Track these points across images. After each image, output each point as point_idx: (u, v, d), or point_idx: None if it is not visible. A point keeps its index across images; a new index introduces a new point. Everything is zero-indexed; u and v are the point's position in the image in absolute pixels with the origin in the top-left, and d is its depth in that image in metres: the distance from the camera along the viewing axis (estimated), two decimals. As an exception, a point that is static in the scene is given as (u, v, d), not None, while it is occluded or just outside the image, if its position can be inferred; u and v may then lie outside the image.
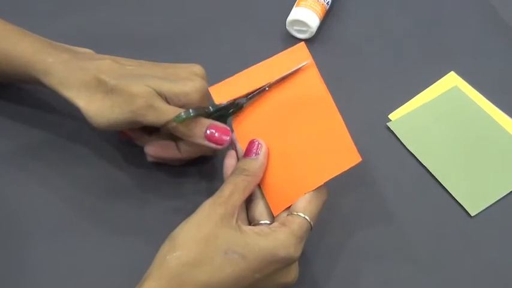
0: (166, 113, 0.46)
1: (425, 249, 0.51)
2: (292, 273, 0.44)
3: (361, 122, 0.55)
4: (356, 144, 0.45)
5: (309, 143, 0.45)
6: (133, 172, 0.53)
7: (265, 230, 0.42)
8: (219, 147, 0.47)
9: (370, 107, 0.59)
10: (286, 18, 0.62)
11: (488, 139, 0.57)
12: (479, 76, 0.61)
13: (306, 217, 0.43)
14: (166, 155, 0.51)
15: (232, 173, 0.45)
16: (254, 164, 0.45)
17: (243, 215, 0.45)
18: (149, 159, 0.52)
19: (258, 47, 0.54)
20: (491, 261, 0.50)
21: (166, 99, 0.47)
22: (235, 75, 0.48)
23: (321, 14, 0.62)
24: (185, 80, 0.48)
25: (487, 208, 0.53)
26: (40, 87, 0.49)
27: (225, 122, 0.48)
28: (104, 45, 0.52)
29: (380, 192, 0.53)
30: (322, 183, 0.44)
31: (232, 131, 0.48)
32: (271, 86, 0.47)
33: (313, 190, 0.44)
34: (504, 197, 0.54)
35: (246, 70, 0.48)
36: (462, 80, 0.61)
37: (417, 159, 0.55)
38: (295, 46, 0.48)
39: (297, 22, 0.62)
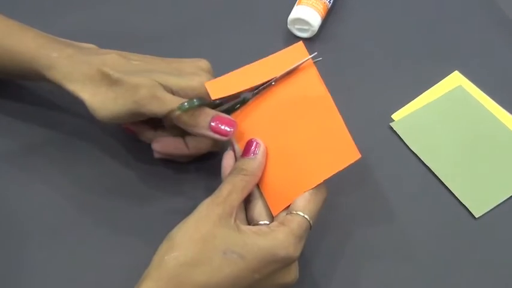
0: (170, 102, 0.46)
1: (427, 249, 0.50)
2: (292, 274, 0.44)
3: (364, 122, 0.55)
4: (358, 144, 0.44)
5: (308, 141, 0.45)
6: (135, 171, 0.53)
7: (264, 229, 0.42)
8: (223, 138, 0.46)
9: (373, 107, 0.58)
10: (288, 16, 0.61)
11: (493, 139, 0.56)
12: (483, 76, 0.60)
13: (306, 216, 0.43)
14: (174, 151, 0.51)
15: (231, 172, 0.44)
16: (252, 163, 0.45)
17: (242, 216, 0.45)
18: (156, 155, 0.51)
19: (259, 45, 0.53)
20: (494, 264, 0.50)
21: (173, 94, 0.47)
22: (232, 72, 0.47)
23: (323, 13, 0.62)
24: (192, 74, 0.48)
25: (491, 210, 0.52)
26: (41, 84, 0.49)
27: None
28: (107, 43, 0.52)
29: (382, 192, 0.53)
30: (322, 181, 0.44)
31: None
32: (271, 83, 0.47)
33: (312, 188, 0.44)
34: (509, 198, 0.53)
35: (243, 67, 0.47)
36: (466, 80, 0.60)
37: (420, 160, 0.55)
38: (293, 45, 0.47)
39: (298, 21, 0.61)
